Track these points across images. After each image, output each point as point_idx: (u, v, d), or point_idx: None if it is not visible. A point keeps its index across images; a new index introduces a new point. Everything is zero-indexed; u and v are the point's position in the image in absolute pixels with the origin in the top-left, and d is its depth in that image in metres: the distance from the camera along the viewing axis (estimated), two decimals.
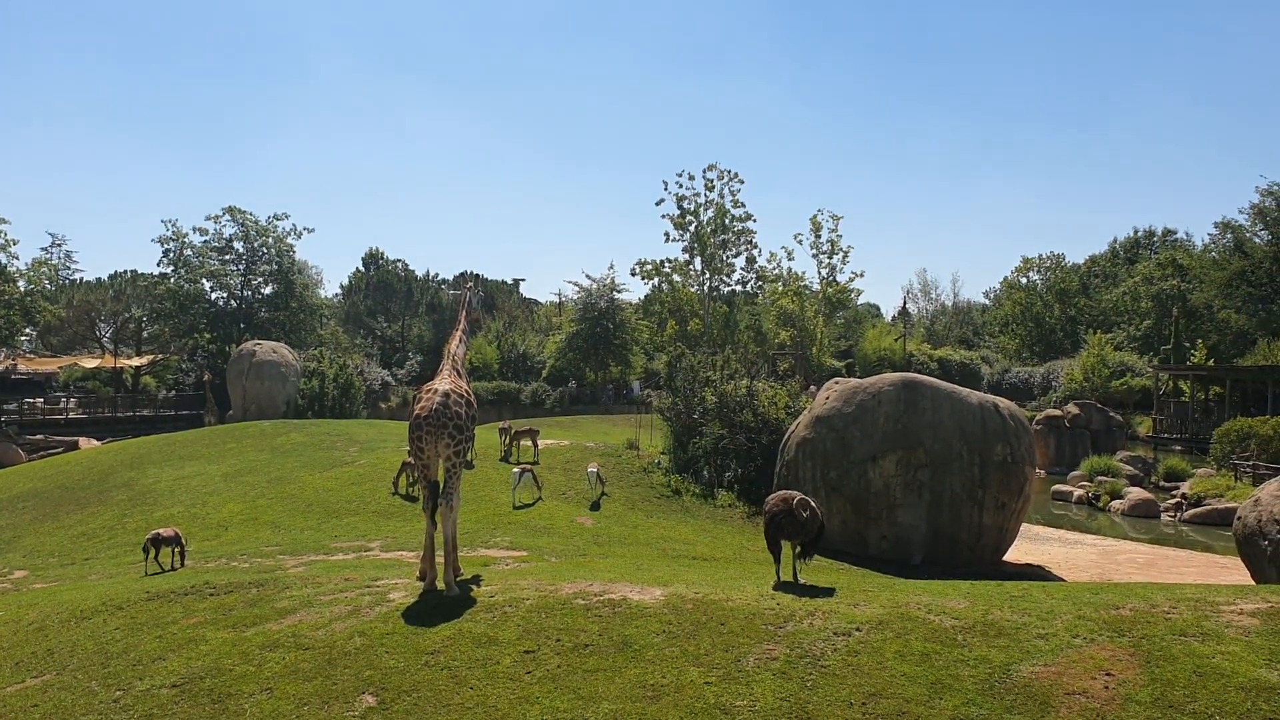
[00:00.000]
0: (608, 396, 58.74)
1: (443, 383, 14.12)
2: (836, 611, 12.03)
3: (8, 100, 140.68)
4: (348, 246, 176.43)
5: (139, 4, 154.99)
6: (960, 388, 23.32)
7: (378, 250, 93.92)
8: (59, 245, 57.93)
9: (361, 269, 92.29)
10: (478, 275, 20.07)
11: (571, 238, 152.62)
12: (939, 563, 22.20)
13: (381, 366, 65.60)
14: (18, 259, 56.10)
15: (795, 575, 13.77)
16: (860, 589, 13.70)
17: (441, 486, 13.75)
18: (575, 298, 61.75)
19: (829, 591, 13.03)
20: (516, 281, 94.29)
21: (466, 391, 14.23)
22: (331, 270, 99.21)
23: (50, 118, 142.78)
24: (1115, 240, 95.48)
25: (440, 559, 13.86)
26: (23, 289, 54.53)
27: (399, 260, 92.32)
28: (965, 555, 22.45)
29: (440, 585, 13.53)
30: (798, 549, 13.65)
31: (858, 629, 11.42)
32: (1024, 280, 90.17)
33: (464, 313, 16.04)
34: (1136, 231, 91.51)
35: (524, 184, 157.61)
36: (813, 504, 13.31)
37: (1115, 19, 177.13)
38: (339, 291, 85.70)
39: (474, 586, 13.68)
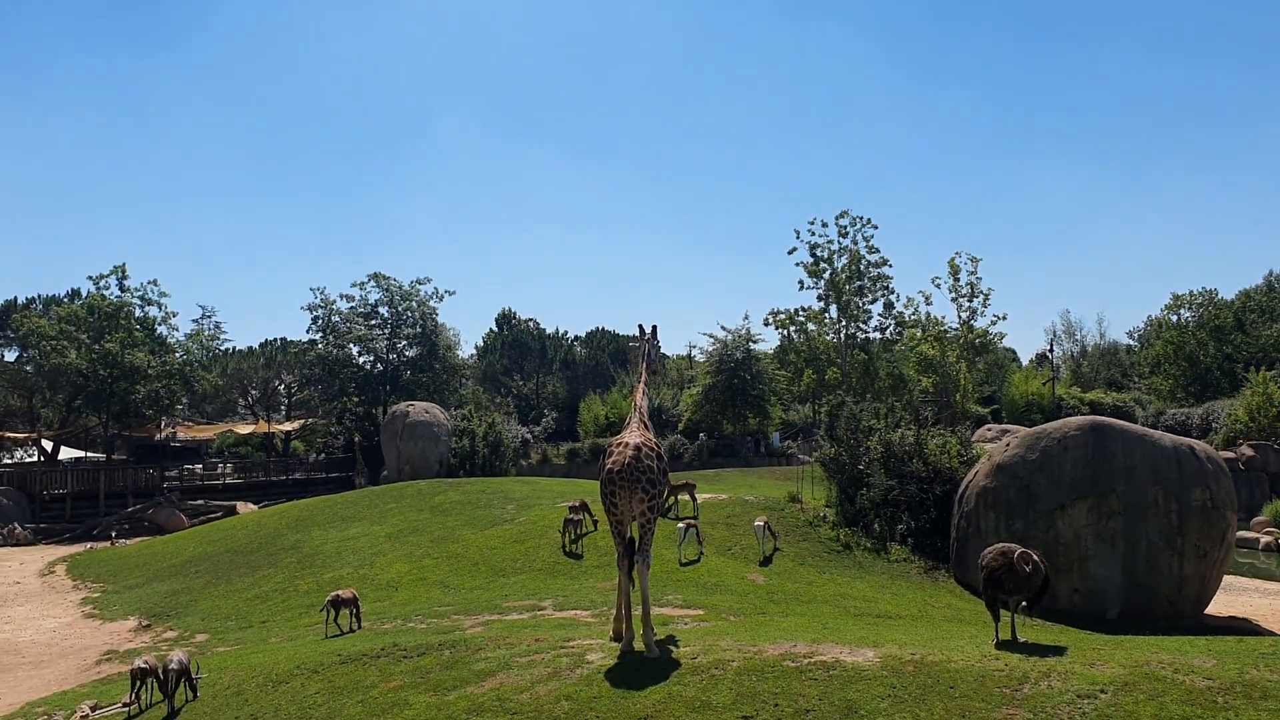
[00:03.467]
0: (748, 449, 57.88)
1: (632, 436, 13.75)
2: (1073, 672, 11.12)
3: (160, 183, 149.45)
4: (480, 308, 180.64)
5: (273, 83, 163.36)
6: (1152, 430, 21.97)
7: (510, 311, 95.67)
8: (209, 316, 60.58)
9: (495, 329, 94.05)
10: (655, 326, 20.07)
11: (698, 290, 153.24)
12: (1137, 616, 20.69)
13: (519, 424, 66.21)
14: (176, 330, 58.96)
15: (1014, 633, 12.88)
16: (1088, 647, 12.71)
17: (638, 543, 13.34)
18: (710, 349, 61.28)
19: (1057, 650, 12.10)
20: None
21: (656, 444, 13.84)
22: (466, 331, 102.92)
23: (196, 193, 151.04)
24: (1271, 274, 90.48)
25: (638, 618, 13.41)
26: (180, 359, 57.07)
27: (530, 319, 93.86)
28: (1165, 608, 20.91)
29: (639, 646, 13.06)
30: (1018, 605, 12.81)
31: (1102, 691, 10.52)
32: (1174, 318, 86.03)
33: (644, 364, 15.71)
34: None
35: (649, 239, 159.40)
36: (1035, 557, 12.45)
37: (1260, 50, 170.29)
38: (474, 352, 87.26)
39: (673, 648, 13.18)
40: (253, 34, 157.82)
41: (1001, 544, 13.14)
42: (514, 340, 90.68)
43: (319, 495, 43.77)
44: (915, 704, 10.57)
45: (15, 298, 72.49)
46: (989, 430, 51.24)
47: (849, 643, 12.88)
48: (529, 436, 64.19)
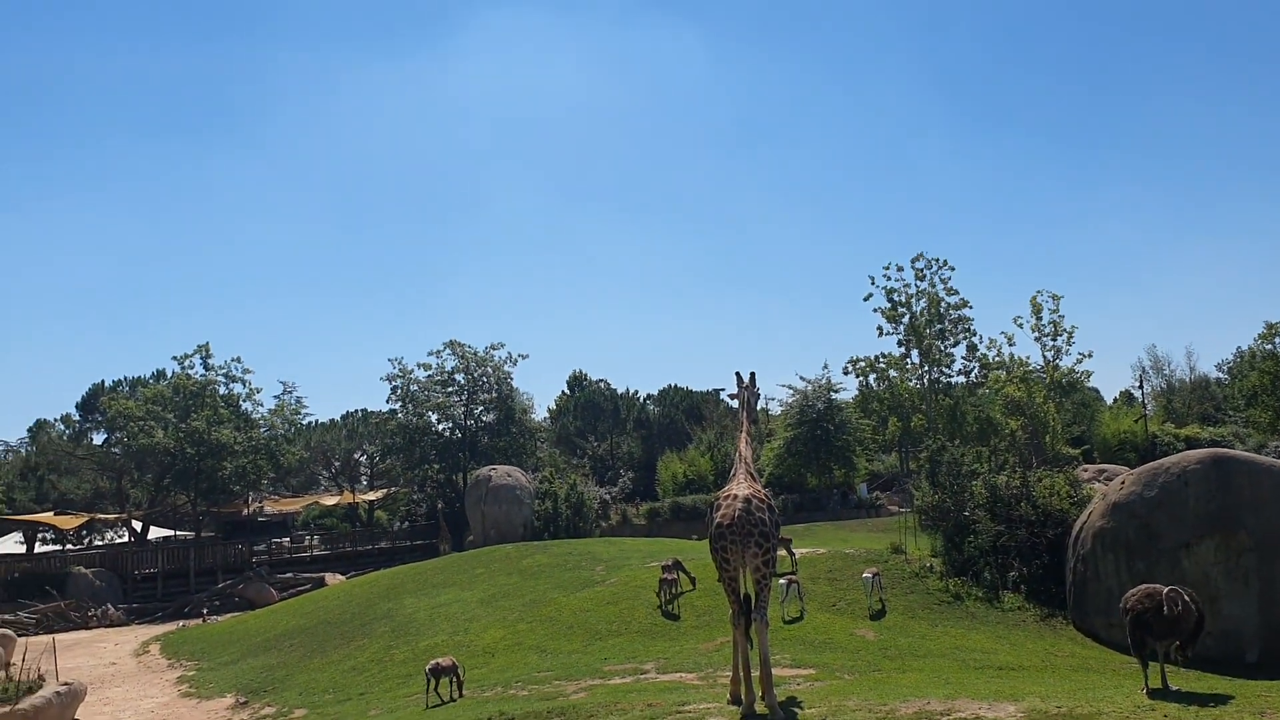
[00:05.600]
0: (835, 501, 56.62)
1: (740, 487, 13.23)
2: None
3: (236, 264, 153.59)
4: (552, 371, 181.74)
5: (337, 164, 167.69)
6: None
7: (581, 372, 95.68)
8: (290, 391, 61.46)
9: (567, 391, 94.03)
10: (753, 374, 19.65)
11: (771, 343, 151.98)
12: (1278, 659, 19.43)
13: (597, 485, 65.83)
14: (260, 405, 59.88)
15: (1165, 681, 12.00)
16: (1251, 694, 11.78)
17: (755, 600, 12.74)
18: (790, 401, 60.34)
19: (1219, 699, 11.21)
20: (717, 391, 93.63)
21: (766, 495, 13.29)
22: (538, 394, 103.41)
23: (272, 273, 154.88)
24: None
25: (758, 679, 12.76)
26: (265, 434, 57.89)
27: (601, 380, 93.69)
28: None
29: (761, 708, 12.41)
30: (1167, 650, 11.94)
31: None
32: (1269, 346, 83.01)
33: (745, 413, 15.21)
34: None
35: (716, 294, 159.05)
36: (1185, 596, 11.61)
37: None
38: (548, 415, 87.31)
39: (797, 710, 12.50)
40: (313, 118, 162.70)
41: (1146, 585, 12.32)
42: (586, 401, 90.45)
43: (405, 563, 43.64)
44: None
45: (102, 381, 74.43)
46: (1084, 471, 49.57)
47: (984, 697, 12.11)
48: (607, 497, 63.65)
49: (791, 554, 26.05)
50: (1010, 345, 64.24)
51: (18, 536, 58.30)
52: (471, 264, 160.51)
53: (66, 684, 22.44)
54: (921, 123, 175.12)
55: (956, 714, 11.30)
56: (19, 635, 31.41)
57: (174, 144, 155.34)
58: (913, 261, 59.99)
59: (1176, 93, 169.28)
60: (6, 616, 37.76)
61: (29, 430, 75.98)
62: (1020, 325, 62.51)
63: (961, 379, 61.20)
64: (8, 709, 20.70)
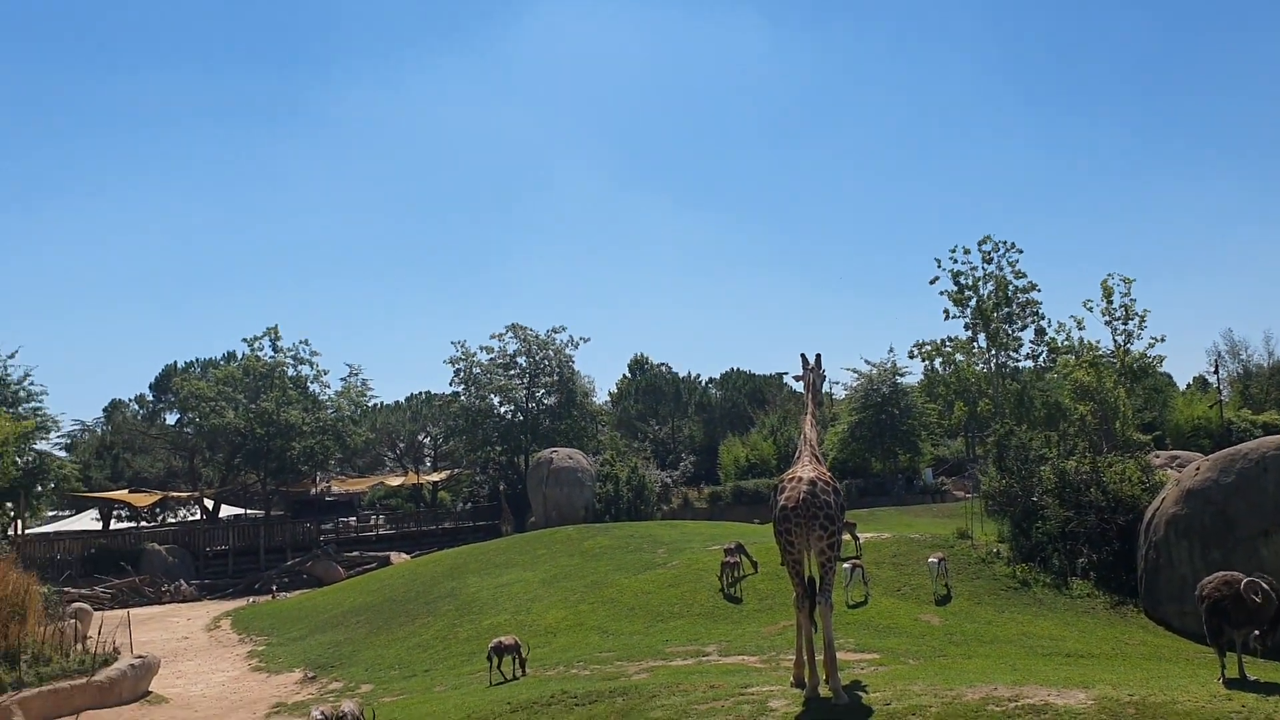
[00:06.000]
0: (899, 486, 56.05)
1: (805, 470, 13.11)
2: None
3: (304, 249, 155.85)
4: (613, 354, 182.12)
5: (401, 150, 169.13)
6: None
7: (642, 355, 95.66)
8: (356, 374, 62.12)
9: (628, 375, 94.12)
10: (819, 355, 19.36)
11: (832, 326, 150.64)
12: None
13: (658, 468, 65.87)
14: (327, 387, 60.77)
15: (1242, 670, 11.70)
16: None
17: (820, 583, 12.65)
18: (854, 385, 59.74)
19: None
20: (780, 375, 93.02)
21: (832, 478, 13.16)
22: (599, 378, 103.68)
23: (338, 257, 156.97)
24: None
25: (821, 662, 12.68)
26: (332, 415, 58.76)
27: (663, 364, 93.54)
28: None
29: (824, 692, 12.34)
30: (1245, 639, 11.62)
31: None
32: None
33: (810, 396, 15.06)
34: None
35: (776, 277, 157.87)
36: (1265, 585, 11.29)
37: None
38: (608, 398, 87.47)
39: (861, 693, 12.40)
40: (379, 104, 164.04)
41: (1224, 572, 11.99)
42: (647, 385, 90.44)
43: (468, 543, 44.12)
44: None
45: (175, 362, 75.93)
46: (1155, 457, 48.47)
47: (1053, 684, 11.90)
48: (668, 480, 63.65)
49: (856, 538, 25.85)
50: (1080, 329, 62.64)
51: (94, 513, 59.84)
52: (534, 247, 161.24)
53: (141, 657, 23.08)
54: (988, 104, 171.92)
55: (1024, 700, 11.13)
56: (95, 610, 32.28)
57: (245, 129, 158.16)
58: (980, 244, 58.67)
59: (1255, 72, 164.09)
60: (83, 591, 38.80)
61: (104, 410, 78.10)
62: (1090, 309, 60.92)
63: (1029, 363, 59.91)
64: (84, 680, 21.35)
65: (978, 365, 58.59)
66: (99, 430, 74.51)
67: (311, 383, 60.13)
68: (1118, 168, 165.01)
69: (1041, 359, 59.27)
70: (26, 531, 47.79)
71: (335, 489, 67.76)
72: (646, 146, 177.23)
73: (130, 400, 77.87)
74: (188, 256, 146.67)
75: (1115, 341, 63.33)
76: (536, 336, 62.10)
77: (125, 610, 33.33)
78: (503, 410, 61.96)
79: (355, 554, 50.04)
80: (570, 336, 62.72)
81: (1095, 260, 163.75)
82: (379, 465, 79.01)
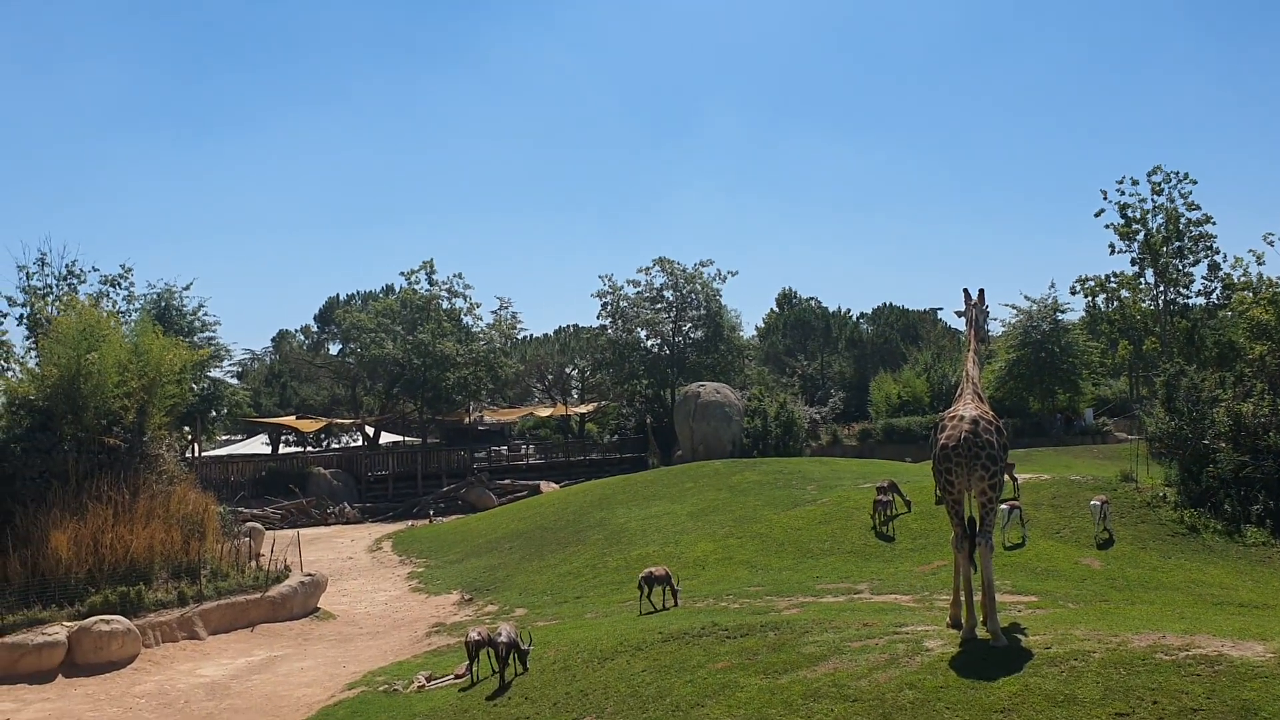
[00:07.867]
0: (1058, 427, 53.95)
1: (967, 408, 12.59)
2: None
3: (459, 184, 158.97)
4: (761, 288, 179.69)
5: (554, 89, 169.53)
6: None
7: (790, 290, 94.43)
8: (506, 307, 63.07)
9: (776, 309, 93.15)
10: (981, 290, 18.58)
11: (988, 260, 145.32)
12: None
13: (806, 405, 65.15)
14: (480, 320, 62.11)
15: None
16: None
17: (979, 523, 12.21)
18: (1013, 321, 57.47)
19: None
20: (934, 310, 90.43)
21: (994, 416, 12.61)
22: (747, 312, 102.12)
23: (491, 193, 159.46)
24: None
25: (979, 604, 12.28)
26: (484, 347, 60.11)
27: (812, 298, 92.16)
28: None
29: (983, 634, 11.96)
30: None
31: None
32: None
33: (972, 331, 14.43)
34: None
35: (931, 210, 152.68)
36: None
37: None
38: (756, 333, 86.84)
39: (1020, 636, 11.96)
40: (532, 41, 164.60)
41: None
42: (796, 320, 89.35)
43: (615, 475, 44.67)
44: None
45: (337, 294, 79.13)
46: None
47: (1226, 634, 11.22)
48: (817, 417, 62.88)
49: (1014, 479, 24.96)
50: (1260, 264, 58.44)
51: (264, 438, 63.14)
52: (682, 181, 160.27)
53: (310, 575, 24.27)
54: (1162, 31, 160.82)
55: (1196, 650, 10.52)
56: (266, 529, 34.07)
57: (399, 66, 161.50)
58: (1149, 175, 55.21)
59: None
60: (255, 511, 40.97)
61: (273, 340, 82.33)
62: (1271, 243, 56.77)
63: (1201, 300, 56.37)
64: (259, 595, 22.60)
65: (1144, 302, 55.53)
66: (268, 359, 78.41)
67: (465, 315, 61.52)
68: None
69: (1215, 296, 55.72)
70: (203, 454, 50.71)
71: (487, 419, 69.46)
72: (800, 76, 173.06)
73: (296, 331, 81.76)
74: (349, 191, 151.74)
75: None
76: (684, 270, 61.78)
77: (294, 530, 35.12)
78: (649, 344, 62.14)
79: (506, 482, 51.34)
80: (718, 270, 62.23)
81: (1278, 193, 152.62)
82: (528, 396, 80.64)
